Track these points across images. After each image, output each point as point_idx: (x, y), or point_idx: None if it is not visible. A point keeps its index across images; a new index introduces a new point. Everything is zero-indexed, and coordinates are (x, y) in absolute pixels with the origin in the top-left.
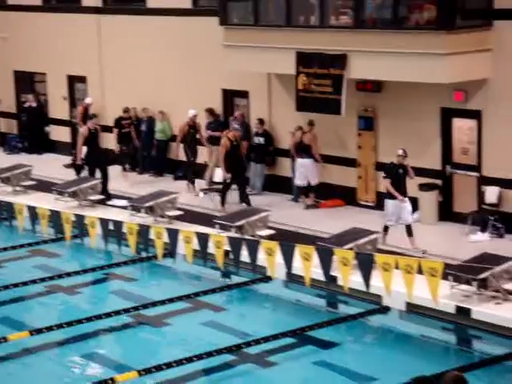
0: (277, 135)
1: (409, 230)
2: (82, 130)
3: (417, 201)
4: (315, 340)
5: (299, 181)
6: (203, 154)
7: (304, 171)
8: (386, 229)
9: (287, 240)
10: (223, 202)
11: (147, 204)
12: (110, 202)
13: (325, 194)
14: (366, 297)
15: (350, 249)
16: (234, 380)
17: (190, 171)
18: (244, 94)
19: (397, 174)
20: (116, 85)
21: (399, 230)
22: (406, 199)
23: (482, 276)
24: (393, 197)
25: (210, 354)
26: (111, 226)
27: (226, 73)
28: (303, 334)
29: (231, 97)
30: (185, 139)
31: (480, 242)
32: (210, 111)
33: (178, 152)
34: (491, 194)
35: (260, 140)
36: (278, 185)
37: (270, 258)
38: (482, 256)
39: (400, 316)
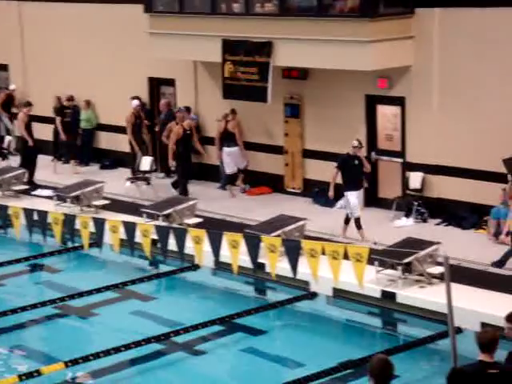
0: (204, 123)
1: (349, 221)
2: (22, 117)
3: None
4: (244, 327)
5: (228, 169)
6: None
7: (232, 159)
8: (358, 224)
9: (215, 228)
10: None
11: (73, 194)
12: (34, 192)
13: (252, 182)
14: (293, 283)
15: (278, 236)
16: (163, 369)
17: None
18: (170, 82)
19: (352, 165)
20: (40, 73)
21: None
22: (361, 191)
23: (407, 260)
24: (354, 188)
25: (138, 344)
26: (36, 217)
27: (151, 61)
28: (232, 321)
29: (157, 85)
30: (133, 130)
31: (404, 227)
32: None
33: (135, 144)
34: (415, 179)
35: None
36: (206, 173)
37: (198, 246)
38: (407, 241)
39: (327, 301)
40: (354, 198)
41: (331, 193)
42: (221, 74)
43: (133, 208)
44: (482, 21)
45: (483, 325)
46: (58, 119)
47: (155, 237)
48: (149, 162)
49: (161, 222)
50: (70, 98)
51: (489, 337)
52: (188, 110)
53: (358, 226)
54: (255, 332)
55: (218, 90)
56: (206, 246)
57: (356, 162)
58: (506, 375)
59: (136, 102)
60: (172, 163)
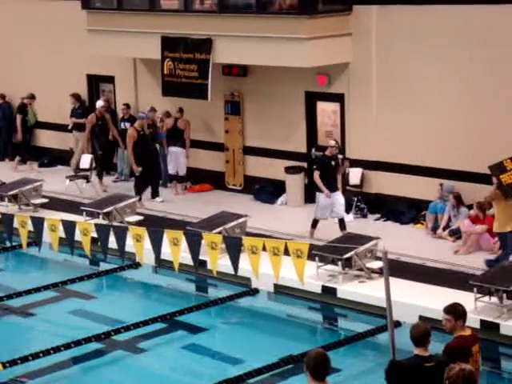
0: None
1: (342, 224)
2: None
3: (283, 184)
4: (185, 324)
5: (171, 168)
6: (70, 141)
7: (174, 159)
8: (315, 223)
9: (156, 226)
10: (139, 196)
11: (11, 192)
12: None
13: (193, 179)
14: (235, 280)
15: (219, 233)
16: (104, 368)
17: (98, 165)
18: (109, 79)
19: (329, 166)
20: None
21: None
22: (338, 192)
23: (347, 256)
24: (330, 189)
25: (78, 343)
26: None
27: (90, 58)
28: (173, 318)
29: (96, 82)
30: (93, 131)
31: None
32: (76, 97)
33: (88, 146)
34: (354, 175)
35: (126, 125)
36: None
37: (139, 244)
38: (346, 236)
39: (268, 297)
40: (322, 199)
41: (327, 191)
42: (160, 71)
43: (73, 206)
44: (418, 17)
45: (421, 318)
46: (19, 118)
47: (95, 235)
48: (88, 160)
49: (101, 220)
50: (31, 97)
51: (421, 331)
52: (128, 107)
53: (313, 226)
54: (197, 329)
55: (158, 87)
56: (147, 244)
57: (333, 162)
58: (441, 367)
59: (100, 103)
60: (137, 169)
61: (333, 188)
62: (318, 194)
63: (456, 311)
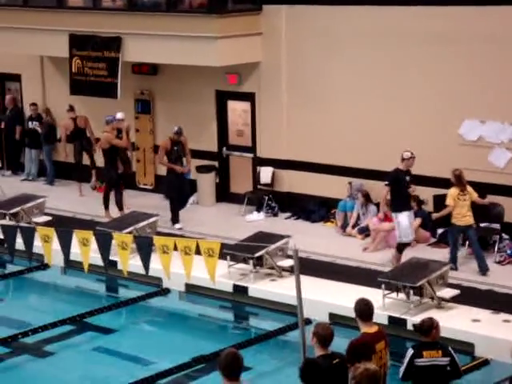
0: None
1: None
2: None
3: (195, 183)
4: (95, 326)
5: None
6: None
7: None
8: (401, 248)
9: (65, 226)
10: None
11: None
12: None
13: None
14: (146, 280)
15: (130, 233)
16: (12, 372)
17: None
18: (16, 78)
19: (403, 181)
20: None
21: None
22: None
23: (258, 254)
24: (405, 207)
25: None
26: None
27: None
28: (83, 320)
29: (2, 80)
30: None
31: (256, 221)
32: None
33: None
34: (265, 174)
35: (34, 124)
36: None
37: (47, 245)
38: (258, 235)
39: (180, 297)
40: (404, 218)
41: (381, 214)
42: (68, 69)
43: None
44: (327, 17)
45: (331, 315)
46: None
47: (2, 236)
48: None
49: (8, 221)
50: None
51: (330, 332)
52: (35, 106)
53: (400, 250)
54: (107, 330)
55: (66, 85)
56: (56, 245)
57: (407, 177)
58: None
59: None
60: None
61: (408, 206)
62: (398, 214)
63: (355, 308)
